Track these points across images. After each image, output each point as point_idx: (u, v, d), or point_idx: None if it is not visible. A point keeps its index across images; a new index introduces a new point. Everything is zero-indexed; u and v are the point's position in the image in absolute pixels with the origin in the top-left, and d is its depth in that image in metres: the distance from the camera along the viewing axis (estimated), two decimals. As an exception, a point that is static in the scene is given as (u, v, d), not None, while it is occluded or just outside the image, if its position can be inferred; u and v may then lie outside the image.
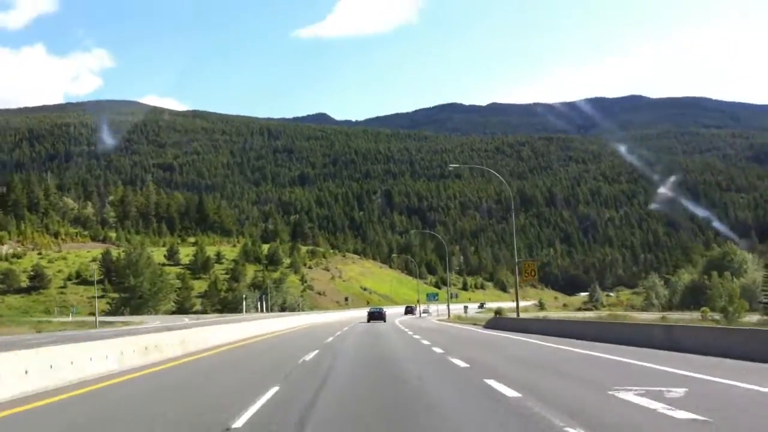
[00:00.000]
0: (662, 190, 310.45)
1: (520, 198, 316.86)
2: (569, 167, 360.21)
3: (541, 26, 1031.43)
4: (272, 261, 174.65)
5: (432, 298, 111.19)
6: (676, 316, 52.30)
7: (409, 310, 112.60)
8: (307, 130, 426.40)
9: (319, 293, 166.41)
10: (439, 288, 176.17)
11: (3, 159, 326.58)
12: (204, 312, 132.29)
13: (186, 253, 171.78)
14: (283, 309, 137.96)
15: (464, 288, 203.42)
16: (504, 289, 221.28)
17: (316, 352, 23.68)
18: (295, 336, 39.31)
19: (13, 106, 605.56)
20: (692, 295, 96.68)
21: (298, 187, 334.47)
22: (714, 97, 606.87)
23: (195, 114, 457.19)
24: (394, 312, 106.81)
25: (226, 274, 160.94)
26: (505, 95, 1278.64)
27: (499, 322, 47.74)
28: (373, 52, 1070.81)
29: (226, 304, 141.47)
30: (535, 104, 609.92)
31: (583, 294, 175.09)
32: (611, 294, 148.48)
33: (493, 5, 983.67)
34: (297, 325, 59.02)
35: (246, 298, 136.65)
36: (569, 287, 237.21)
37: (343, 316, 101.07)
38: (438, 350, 23.23)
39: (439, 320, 76.83)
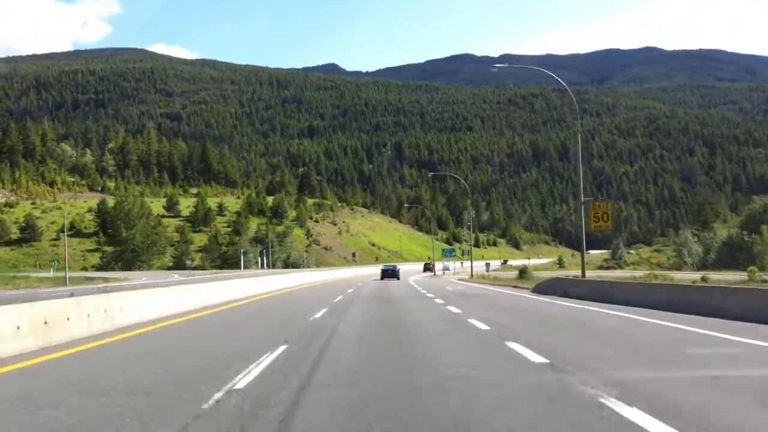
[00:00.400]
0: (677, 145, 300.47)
1: (533, 151, 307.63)
2: (583, 120, 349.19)
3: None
4: (277, 214, 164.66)
5: (448, 254, 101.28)
6: (717, 277, 43.95)
7: (428, 268, 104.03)
8: (317, 81, 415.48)
9: (326, 248, 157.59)
10: (451, 244, 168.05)
11: (9, 107, 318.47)
12: (202, 268, 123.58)
13: (186, 205, 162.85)
14: (286, 265, 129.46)
15: (476, 245, 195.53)
16: (517, 246, 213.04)
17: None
18: (284, 301, 30.86)
19: (21, 53, 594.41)
20: (730, 253, 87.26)
21: (307, 138, 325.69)
22: (729, 49, 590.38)
23: (203, 63, 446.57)
24: (406, 270, 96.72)
25: (228, 227, 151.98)
26: (517, 47, 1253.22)
27: (559, 285, 33.03)
28: (384, 1, 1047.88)
29: (227, 260, 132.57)
30: (548, 55, 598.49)
31: (598, 252, 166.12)
32: (631, 251, 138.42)
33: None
34: (293, 285, 50.84)
35: (246, 253, 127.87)
36: (572, 243, 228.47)
37: (349, 273, 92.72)
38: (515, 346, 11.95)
39: (459, 279, 67.73)
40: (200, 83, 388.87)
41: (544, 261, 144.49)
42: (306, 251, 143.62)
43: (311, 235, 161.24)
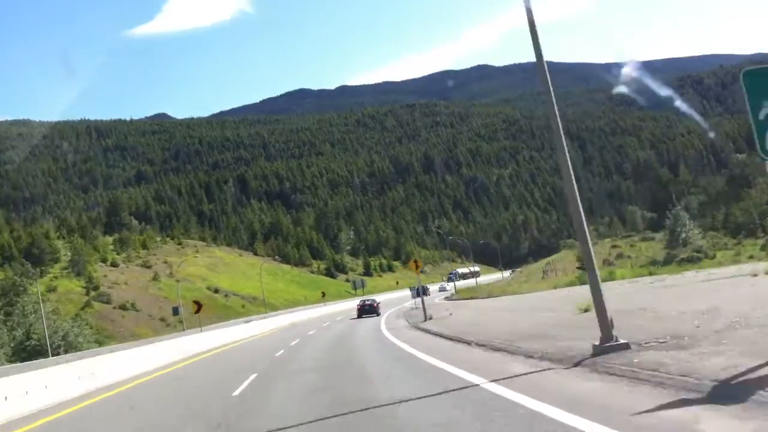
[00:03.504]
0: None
1: (395, 168, 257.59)
2: (439, 131, 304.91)
3: (381, 10, 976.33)
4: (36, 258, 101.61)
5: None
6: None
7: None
8: (143, 126, 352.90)
9: (124, 307, 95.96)
10: (334, 276, 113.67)
11: None
12: None
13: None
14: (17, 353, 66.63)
15: (367, 272, 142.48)
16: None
17: None
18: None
19: None
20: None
21: (134, 186, 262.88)
22: (556, 60, 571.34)
23: (10, 123, 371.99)
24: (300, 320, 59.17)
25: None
26: (353, 78, 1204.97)
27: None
28: (210, 45, 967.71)
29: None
30: (385, 83, 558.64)
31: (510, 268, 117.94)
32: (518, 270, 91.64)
33: None
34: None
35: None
36: (484, 256, 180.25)
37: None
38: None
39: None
40: (6, 142, 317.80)
41: (494, 277, 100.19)
42: (78, 318, 75.93)
43: (98, 287, 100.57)
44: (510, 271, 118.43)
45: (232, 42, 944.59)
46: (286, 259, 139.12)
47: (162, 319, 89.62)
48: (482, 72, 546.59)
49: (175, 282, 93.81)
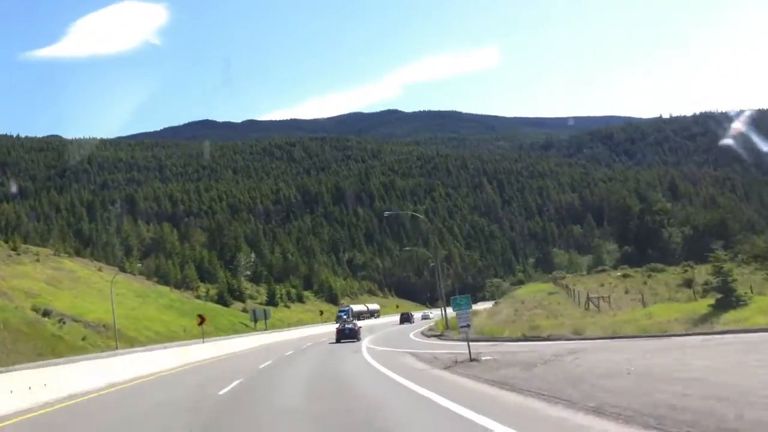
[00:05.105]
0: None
1: (303, 198, 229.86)
2: (350, 165, 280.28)
3: (279, 50, 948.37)
4: None
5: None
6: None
7: (405, 318, 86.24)
8: (30, 143, 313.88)
9: None
10: (225, 304, 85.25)
11: None
12: None
13: None
14: None
15: (271, 301, 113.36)
16: (334, 299, 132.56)
17: None
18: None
19: None
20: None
21: (9, 202, 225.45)
22: (464, 110, 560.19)
23: None
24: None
25: None
26: (262, 114, 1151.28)
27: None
28: (113, 72, 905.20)
29: None
30: (294, 120, 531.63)
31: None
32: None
33: (229, 34, 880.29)
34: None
35: None
36: (403, 291, 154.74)
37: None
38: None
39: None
40: None
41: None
42: None
43: None
44: (493, 302, 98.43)
45: (136, 70, 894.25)
46: (164, 280, 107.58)
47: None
48: (392, 116, 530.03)
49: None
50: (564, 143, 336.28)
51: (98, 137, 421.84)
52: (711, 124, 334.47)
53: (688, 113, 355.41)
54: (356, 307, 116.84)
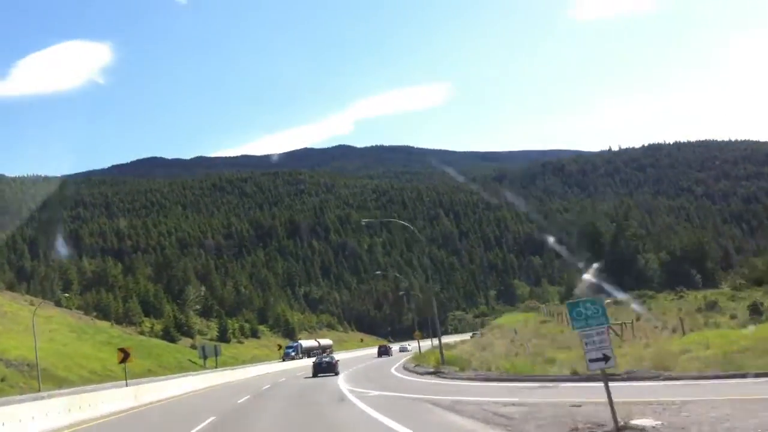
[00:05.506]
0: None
1: (255, 232, 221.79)
2: (304, 199, 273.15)
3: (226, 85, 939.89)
4: None
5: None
6: None
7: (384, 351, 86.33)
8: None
9: None
10: (172, 339, 77.26)
11: None
12: None
13: None
14: None
15: (222, 336, 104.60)
16: (291, 334, 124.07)
17: None
18: None
19: None
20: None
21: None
22: (417, 145, 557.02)
23: None
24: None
25: None
26: (211, 150, 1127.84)
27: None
28: (58, 110, 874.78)
29: None
30: (244, 156, 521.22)
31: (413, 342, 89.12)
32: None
33: (177, 72, 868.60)
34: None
35: None
36: (363, 325, 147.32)
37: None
38: None
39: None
40: None
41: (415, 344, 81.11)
42: None
43: None
44: (471, 334, 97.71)
45: (82, 109, 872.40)
46: (105, 315, 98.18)
47: None
48: (344, 151, 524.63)
49: None
50: (517, 175, 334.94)
51: (42, 175, 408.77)
52: (660, 155, 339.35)
53: (637, 145, 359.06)
54: (306, 343, 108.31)
